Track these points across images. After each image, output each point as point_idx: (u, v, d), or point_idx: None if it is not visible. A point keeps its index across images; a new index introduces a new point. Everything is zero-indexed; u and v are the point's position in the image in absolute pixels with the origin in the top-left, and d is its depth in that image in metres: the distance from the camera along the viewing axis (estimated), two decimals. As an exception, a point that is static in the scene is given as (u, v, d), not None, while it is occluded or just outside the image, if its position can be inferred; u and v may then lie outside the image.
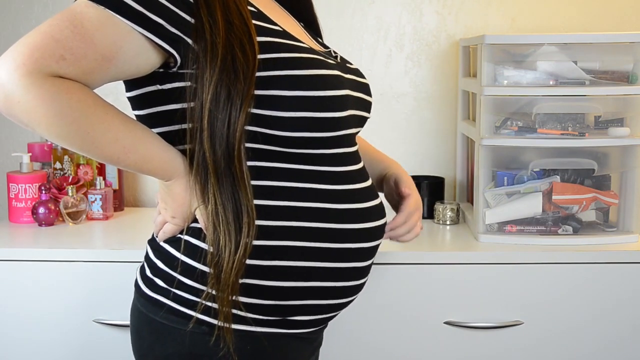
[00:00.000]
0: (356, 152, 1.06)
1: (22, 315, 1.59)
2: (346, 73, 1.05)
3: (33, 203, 1.82)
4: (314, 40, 1.12)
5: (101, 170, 1.95)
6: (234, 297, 0.92)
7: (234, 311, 0.94)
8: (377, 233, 1.07)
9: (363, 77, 1.12)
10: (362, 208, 1.03)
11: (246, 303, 0.95)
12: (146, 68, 0.91)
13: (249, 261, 0.92)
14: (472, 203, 1.90)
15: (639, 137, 1.67)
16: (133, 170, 0.93)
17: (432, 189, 1.93)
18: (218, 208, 0.90)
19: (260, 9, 0.98)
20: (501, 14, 2.04)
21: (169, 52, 0.89)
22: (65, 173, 1.94)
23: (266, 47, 0.92)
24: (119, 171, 1.98)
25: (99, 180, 1.89)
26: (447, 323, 1.58)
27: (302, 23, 1.18)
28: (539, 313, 1.58)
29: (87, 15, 0.85)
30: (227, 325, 0.93)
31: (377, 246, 1.08)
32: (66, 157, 1.93)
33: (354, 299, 1.07)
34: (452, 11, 2.05)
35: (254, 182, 0.93)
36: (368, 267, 1.07)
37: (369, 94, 1.11)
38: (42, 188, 1.81)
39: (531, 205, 1.69)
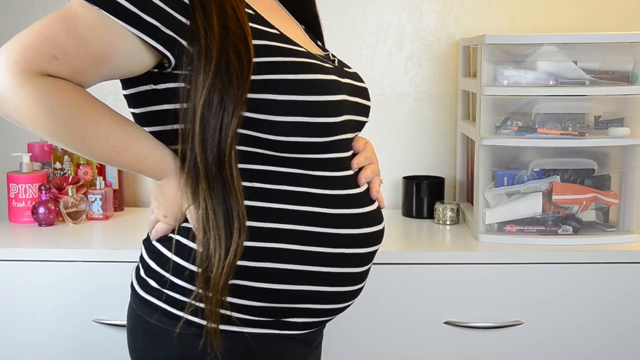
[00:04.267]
0: (352, 157, 1.04)
1: (22, 315, 1.59)
2: (343, 77, 1.03)
3: (33, 203, 1.82)
4: (313, 44, 1.11)
5: (101, 170, 1.95)
6: (222, 299, 0.91)
7: (225, 312, 0.93)
8: (374, 239, 1.05)
9: (361, 81, 1.10)
10: (358, 213, 1.01)
11: (236, 304, 0.94)
12: (140, 68, 0.90)
13: (240, 262, 0.91)
14: (472, 203, 1.90)
15: (639, 137, 1.67)
16: (125, 169, 0.93)
17: (432, 189, 1.93)
18: (209, 213, 0.89)
19: (259, 11, 0.97)
20: (501, 14, 2.04)
21: (163, 54, 0.88)
22: (65, 173, 1.94)
23: (262, 51, 0.91)
24: (119, 171, 1.98)
25: (99, 180, 1.89)
26: (447, 323, 1.58)
27: (303, 24, 1.17)
28: (539, 313, 1.58)
29: (81, 15, 0.85)
30: (215, 327, 0.91)
31: (374, 252, 1.06)
32: (66, 157, 1.93)
33: (352, 303, 1.06)
34: (452, 11, 2.05)
35: (247, 184, 0.92)
36: (365, 273, 1.05)
37: (367, 99, 1.10)
38: (42, 188, 1.81)
39: (531, 205, 1.69)
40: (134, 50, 0.87)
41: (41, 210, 1.80)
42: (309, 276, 0.96)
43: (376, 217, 1.06)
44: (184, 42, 0.88)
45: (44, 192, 1.80)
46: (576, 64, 1.66)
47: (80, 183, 1.91)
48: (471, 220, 1.78)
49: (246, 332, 0.95)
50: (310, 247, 0.96)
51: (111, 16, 0.85)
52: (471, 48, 1.93)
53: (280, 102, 0.90)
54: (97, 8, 0.85)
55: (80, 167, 1.93)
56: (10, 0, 2.08)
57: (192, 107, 0.88)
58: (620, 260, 1.58)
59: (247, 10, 0.94)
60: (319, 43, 1.17)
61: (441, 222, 1.86)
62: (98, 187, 1.88)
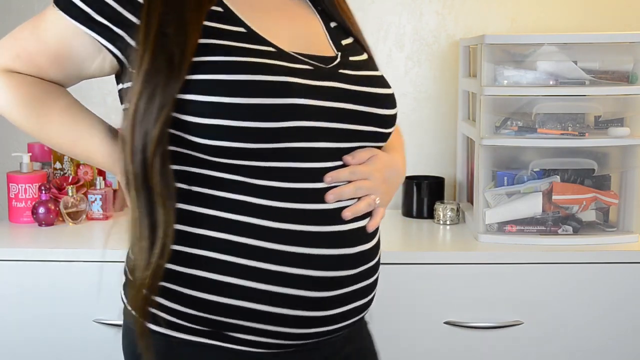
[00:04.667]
0: (325, 169, 0.91)
1: (22, 315, 1.59)
2: (324, 80, 0.92)
3: (33, 203, 1.82)
4: (329, 42, 1.01)
5: (101, 170, 1.95)
6: (148, 296, 0.88)
7: (153, 311, 0.90)
8: (339, 262, 0.92)
9: (374, 86, 0.99)
10: (316, 232, 0.90)
11: (165, 305, 0.90)
12: (107, 68, 0.92)
13: (169, 265, 0.88)
14: (472, 203, 1.90)
15: (639, 137, 1.67)
16: (83, 161, 0.96)
17: (432, 189, 1.93)
18: (135, 222, 0.86)
19: (232, 7, 0.91)
20: (501, 14, 2.04)
21: (114, 53, 0.88)
22: (65, 173, 1.94)
23: (203, 50, 0.86)
24: (119, 171, 1.98)
25: (99, 180, 1.89)
26: (447, 323, 1.58)
27: (336, 22, 1.06)
28: (539, 313, 1.58)
29: (46, 16, 0.91)
30: (142, 322, 0.89)
31: (343, 277, 0.92)
32: (66, 157, 1.93)
33: (334, 329, 0.93)
34: (452, 11, 2.05)
35: (183, 186, 0.89)
36: (332, 299, 0.92)
37: (373, 105, 0.98)
38: (42, 188, 1.81)
39: (531, 205, 1.69)
40: (91, 49, 0.90)
41: (41, 210, 1.80)
42: (250, 292, 0.88)
43: (350, 238, 0.93)
44: (132, 42, 0.86)
45: (44, 192, 1.80)
46: (576, 64, 1.66)
47: (80, 183, 1.91)
48: (471, 220, 1.78)
49: (175, 336, 0.91)
50: (248, 260, 0.88)
51: (66, 16, 0.88)
52: (471, 48, 1.93)
53: (201, 104, 0.85)
54: (57, 9, 0.89)
55: (80, 167, 1.93)
56: (10, 0, 2.08)
57: (127, 111, 0.86)
58: (620, 260, 1.58)
59: (216, 8, 0.89)
60: (343, 40, 1.04)
61: (441, 222, 1.86)
62: (98, 187, 1.88)
